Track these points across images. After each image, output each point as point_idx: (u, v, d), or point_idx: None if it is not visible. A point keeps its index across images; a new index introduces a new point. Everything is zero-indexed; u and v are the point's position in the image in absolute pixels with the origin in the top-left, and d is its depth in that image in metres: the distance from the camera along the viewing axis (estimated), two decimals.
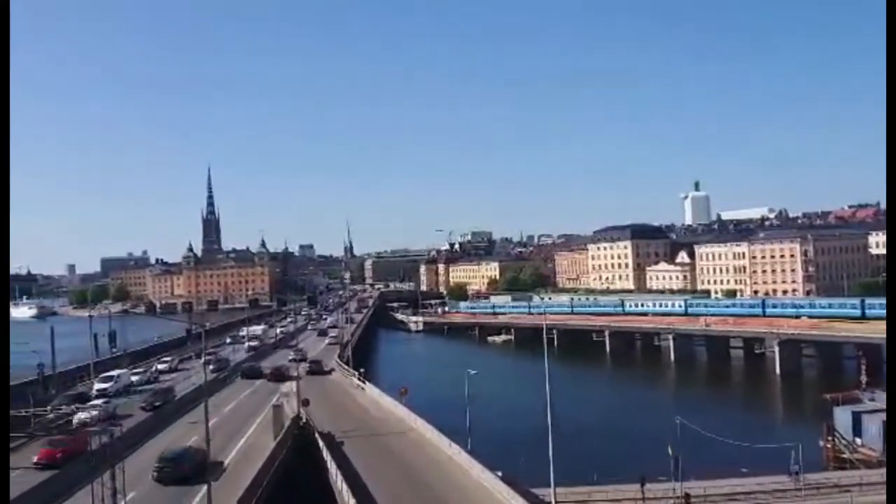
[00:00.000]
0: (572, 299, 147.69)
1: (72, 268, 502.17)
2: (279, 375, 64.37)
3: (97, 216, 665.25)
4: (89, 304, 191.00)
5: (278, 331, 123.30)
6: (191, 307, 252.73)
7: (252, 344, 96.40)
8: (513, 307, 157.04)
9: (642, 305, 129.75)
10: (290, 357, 79.94)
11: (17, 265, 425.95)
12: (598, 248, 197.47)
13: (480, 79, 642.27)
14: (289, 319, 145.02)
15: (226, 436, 42.27)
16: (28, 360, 66.45)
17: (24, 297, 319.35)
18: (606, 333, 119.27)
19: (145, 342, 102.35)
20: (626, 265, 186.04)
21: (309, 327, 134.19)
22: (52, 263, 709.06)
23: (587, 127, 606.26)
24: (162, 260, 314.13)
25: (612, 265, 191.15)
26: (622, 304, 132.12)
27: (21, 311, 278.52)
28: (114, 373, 65.39)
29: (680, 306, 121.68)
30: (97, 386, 61.23)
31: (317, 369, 71.04)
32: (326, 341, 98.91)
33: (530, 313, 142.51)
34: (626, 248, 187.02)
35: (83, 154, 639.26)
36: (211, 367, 69.36)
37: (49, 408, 50.24)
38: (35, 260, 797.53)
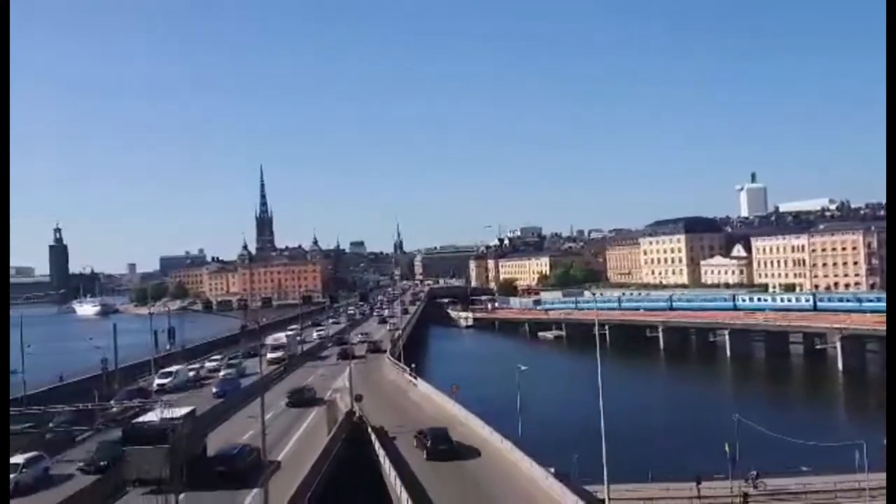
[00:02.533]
0: (671, 295, 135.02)
1: (132, 267, 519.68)
2: (346, 355, 71.81)
3: (156, 217, 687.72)
4: (149, 302, 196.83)
5: (315, 335, 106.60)
6: (246, 304, 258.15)
7: (274, 356, 76.62)
8: (603, 301, 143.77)
9: (759, 301, 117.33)
10: (358, 339, 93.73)
11: (80, 264, 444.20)
12: (651, 243, 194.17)
13: (530, 76, 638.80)
14: (331, 320, 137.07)
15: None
16: (93, 355, 68.92)
17: (88, 295, 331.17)
18: (660, 329, 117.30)
19: (202, 339, 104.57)
20: (680, 259, 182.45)
21: (374, 313, 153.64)
22: (114, 262, 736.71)
23: (639, 120, 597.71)
24: (218, 258, 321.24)
25: (665, 259, 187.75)
26: (733, 300, 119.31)
27: (85, 309, 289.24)
28: (172, 368, 67.17)
29: (807, 301, 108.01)
30: (157, 381, 63.03)
31: (374, 349, 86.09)
32: (387, 327, 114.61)
33: (621, 309, 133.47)
34: (679, 241, 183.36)
35: (142, 158, 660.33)
36: (214, 390, 57.34)
37: (112, 402, 52.02)
38: (97, 259, 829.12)
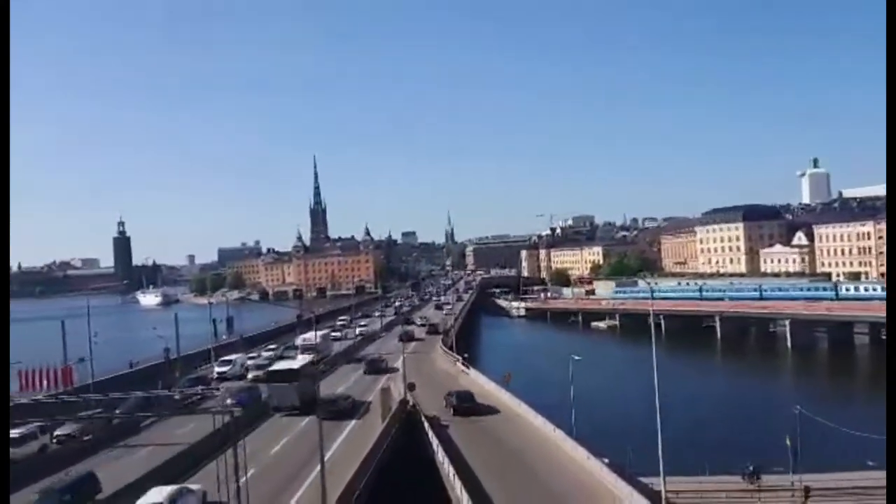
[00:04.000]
0: (760, 284, 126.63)
1: (192, 258, 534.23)
2: (408, 337, 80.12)
3: (214, 209, 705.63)
4: (208, 292, 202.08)
5: (357, 331, 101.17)
6: (301, 294, 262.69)
7: (304, 358, 62.92)
8: (671, 290, 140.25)
9: (867, 290, 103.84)
10: (419, 323, 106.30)
11: (143, 256, 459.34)
12: (707, 231, 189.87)
13: (583, 68, 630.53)
14: (377, 313, 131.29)
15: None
16: (156, 344, 71.31)
17: (151, 286, 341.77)
18: (717, 319, 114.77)
19: (259, 328, 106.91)
20: (738, 248, 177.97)
21: (432, 300, 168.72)
22: (174, 254, 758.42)
23: (695, 106, 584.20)
24: (273, 249, 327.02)
25: (723, 248, 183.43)
26: (835, 288, 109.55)
27: (148, 300, 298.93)
28: (231, 357, 69.05)
29: None
30: (217, 369, 64.89)
31: (433, 330, 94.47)
32: (444, 312, 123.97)
33: (702, 297, 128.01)
34: (737, 229, 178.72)
35: (199, 152, 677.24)
36: (229, 400, 44.34)
37: (175, 390, 53.78)
38: (159, 251, 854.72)
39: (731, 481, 38.67)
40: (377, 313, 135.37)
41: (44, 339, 79.26)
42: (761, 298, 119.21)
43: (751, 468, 38.70)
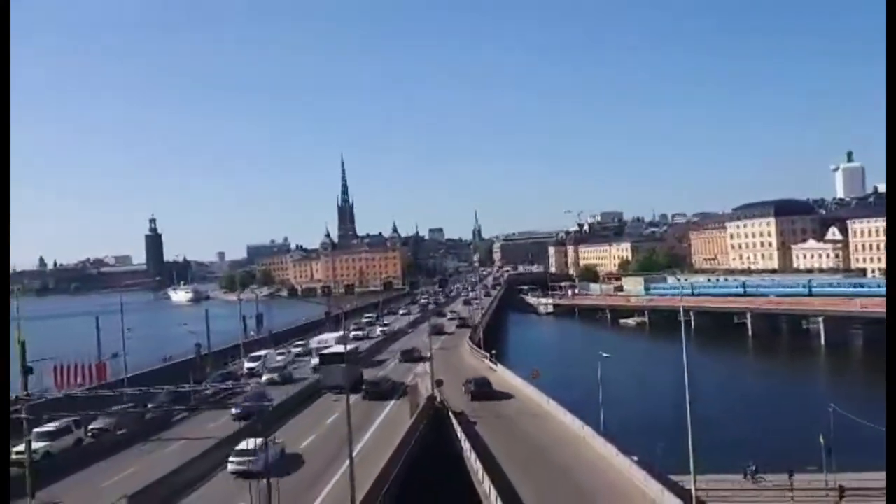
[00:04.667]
0: (809, 280, 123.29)
1: (221, 255, 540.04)
2: (437, 330, 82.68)
3: (243, 206, 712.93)
4: (238, 289, 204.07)
5: (379, 331, 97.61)
6: (329, 291, 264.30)
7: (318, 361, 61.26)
8: (725, 287, 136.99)
9: None
10: (449, 317, 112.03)
11: (174, 253, 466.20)
12: (738, 227, 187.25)
13: (614, 61, 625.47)
14: (401, 311, 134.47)
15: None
16: (188, 340, 72.41)
17: (182, 282, 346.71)
18: (748, 316, 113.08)
19: (288, 325, 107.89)
20: (770, 244, 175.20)
21: (461, 295, 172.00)
22: (204, 251, 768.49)
23: (723, 97, 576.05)
24: (301, 246, 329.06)
25: (754, 244, 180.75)
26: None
27: (179, 296, 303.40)
28: (261, 353, 69.79)
29: None
30: (246, 365, 65.66)
31: (462, 324, 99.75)
32: (473, 306, 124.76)
33: (745, 293, 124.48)
34: (769, 225, 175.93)
35: (229, 149, 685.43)
36: (235, 411, 43.68)
37: (205, 384, 54.57)
38: (189, 248, 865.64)
39: (765, 479, 38.18)
40: (402, 311, 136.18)
41: (79, 335, 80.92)
42: (810, 294, 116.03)
43: (753, 467, 38.34)
